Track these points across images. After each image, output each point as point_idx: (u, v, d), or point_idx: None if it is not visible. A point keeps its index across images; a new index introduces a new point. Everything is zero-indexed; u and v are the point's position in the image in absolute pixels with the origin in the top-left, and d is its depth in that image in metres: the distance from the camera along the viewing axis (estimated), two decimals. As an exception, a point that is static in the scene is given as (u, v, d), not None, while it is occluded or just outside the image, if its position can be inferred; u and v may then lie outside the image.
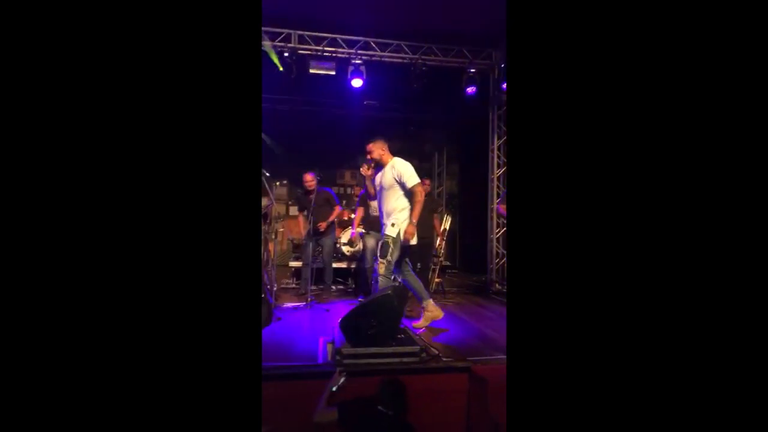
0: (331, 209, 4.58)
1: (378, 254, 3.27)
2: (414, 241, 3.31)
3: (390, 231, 3.28)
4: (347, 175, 7.48)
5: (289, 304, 4.20)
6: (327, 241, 4.58)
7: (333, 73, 4.98)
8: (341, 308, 4.02)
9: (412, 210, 3.27)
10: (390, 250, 3.21)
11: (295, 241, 5.90)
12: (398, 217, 3.30)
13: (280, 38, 4.86)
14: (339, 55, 5.00)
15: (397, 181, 3.28)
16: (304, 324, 3.60)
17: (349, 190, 7.11)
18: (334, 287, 4.92)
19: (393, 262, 3.26)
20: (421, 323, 3.44)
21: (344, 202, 6.19)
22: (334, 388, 2.31)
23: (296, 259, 5.63)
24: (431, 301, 3.47)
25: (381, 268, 3.25)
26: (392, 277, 3.29)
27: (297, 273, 5.47)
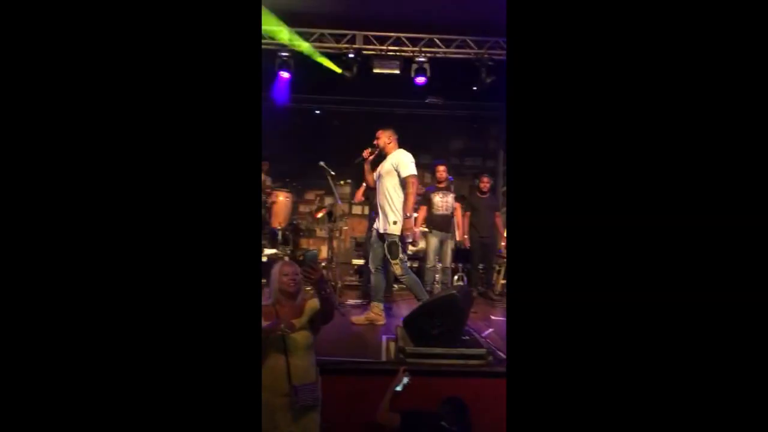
0: None
1: (389, 256, 3.22)
2: (408, 238, 3.25)
3: (394, 229, 3.22)
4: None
5: (352, 302, 4.25)
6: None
7: (397, 72, 4.98)
8: (404, 307, 4.00)
9: (404, 202, 3.20)
10: (399, 249, 3.19)
11: (357, 240, 5.98)
12: (400, 215, 3.24)
13: (345, 40, 4.94)
14: (403, 54, 4.99)
15: (394, 168, 3.23)
16: (367, 321, 3.63)
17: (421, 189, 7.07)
18: (396, 286, 4.91)
19: (406, 260, 3.24)
20: (360, 319, 3.41)
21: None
22: (398, 388, 2.30)
23: (358, 256, 5.70)
24: (381, 305, 3.45)
25: (397, 269, 3.22)
26: (411, 272, 3.29)
27: (359, 270, 5.53)
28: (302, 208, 6.94)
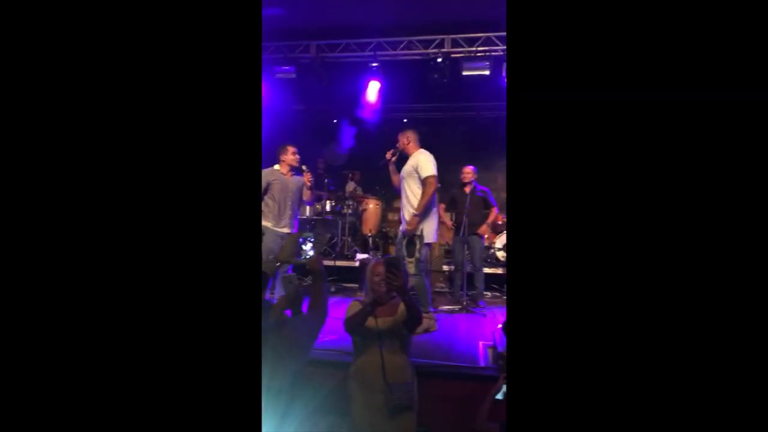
0: (487, 210, 4.40)
1: (405, 253, 3.16)
2: (422, 234, 3.14)
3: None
4: (499, 178, 7.18)
5: (445, 308, 4.15)
6: (476, 244, 4.39)
7: (487, 72, 4.84)
8: (498, 314, 3.82)
9: (420, 200, 3.15)
10: (417, 248, 3.13)
11: (446, 246, 5.87)
12: (422, 214, 3.15)
13: (433, 45, 4.94)
14: (493, 54, 4.85)
15: (414, 169, 3.20)
16: (461, 327, 3.51)
17: (503, 194, 6.80)
18: (489, 293, 4.71)
19: (422, 260, 3.15)
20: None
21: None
22: (498, 396, 2.16)
23: (448, 263, 5.58)
24: (431, 313, 3.29)
25: (411, 268, 3.12)
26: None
27: (450, 278, 5.41)
28: (391, 216, 7.02)
